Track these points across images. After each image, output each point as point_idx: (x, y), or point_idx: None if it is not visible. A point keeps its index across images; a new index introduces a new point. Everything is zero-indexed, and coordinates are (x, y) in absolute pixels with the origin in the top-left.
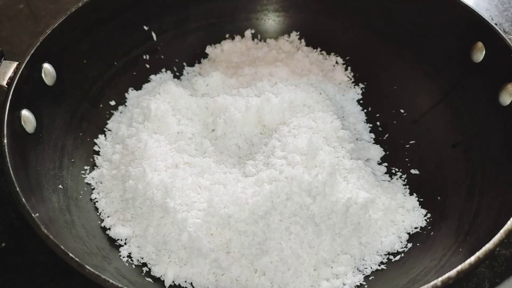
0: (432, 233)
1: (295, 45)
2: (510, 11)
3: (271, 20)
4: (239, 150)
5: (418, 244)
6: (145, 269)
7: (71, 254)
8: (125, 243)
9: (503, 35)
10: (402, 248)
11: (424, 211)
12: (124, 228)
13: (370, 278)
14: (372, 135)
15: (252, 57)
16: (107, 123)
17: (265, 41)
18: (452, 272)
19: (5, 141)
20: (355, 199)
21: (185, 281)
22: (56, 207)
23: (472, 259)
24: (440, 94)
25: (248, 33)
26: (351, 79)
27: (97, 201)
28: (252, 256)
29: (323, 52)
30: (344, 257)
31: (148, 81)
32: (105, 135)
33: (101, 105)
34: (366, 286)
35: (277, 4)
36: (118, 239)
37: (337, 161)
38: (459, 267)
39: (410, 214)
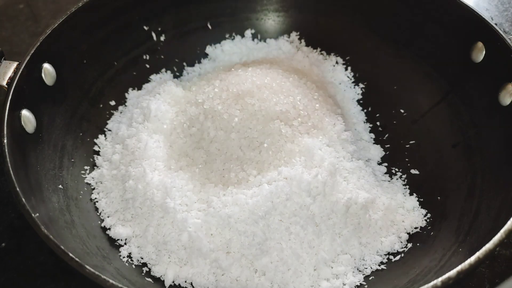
0: (432, 233)
1: (295, 45)
2: (510, 11)
3: (271, 20)
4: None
5: (418, 244)
6: (145, 269)
7: (71, 254)
8: (125, 243)
9: (503, 35)
10: (402, 248)
11: (424, 211)
12: (124, 228)
13: (370, 278)
14: (372, 135)
15: (252, 57)
16: (107, 123)
17: (265, 41)
18: (452, 272)
19: (5, 141)
20: (355, 199)
21: (185, 281)
22: (56, 207)
23: (472, 259)
24: (440, 94)
25: (248, 33)
26: (351, 79)
27: (97, 201)
28: (252, 256)
29: (323, 52)
30: (344, 257)
31: (148, 81)
32: (105, 135)
33: (101, 105)
34: (366, 286)
35: (277, 4)
36: (118, 239)
37: (337, 161)
38: (459, 267)
39: (410, 214)
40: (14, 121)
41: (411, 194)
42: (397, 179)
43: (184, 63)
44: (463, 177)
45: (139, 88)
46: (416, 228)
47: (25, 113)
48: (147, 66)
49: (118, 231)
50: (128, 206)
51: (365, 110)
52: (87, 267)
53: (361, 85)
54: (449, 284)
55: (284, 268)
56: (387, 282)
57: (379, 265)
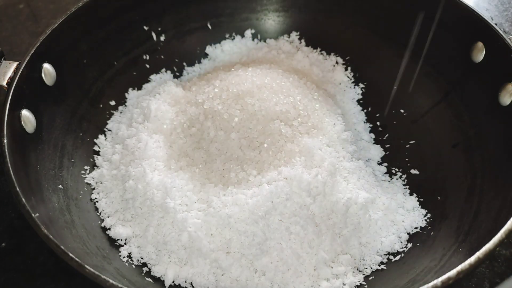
0: (432, 233)
1: (295, 45)
2: (510, 11)
3: (271, 20)
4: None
5: (418, 244)
6: (145, 269)
7: (71, 254)
8: (125, 243)
9: (503, 35)
10: (402, 248)
11: (424, 211)
12: (124, 228)
13: (370, 278)
14: (372, 135)
15: (252, 57)
16: (107, 123)
17: (265, 41)
18: (452, 272)
19: (5, 141)
20: (355, 199)
21: (185, 281)
22: (56, 207)
23: (472, 259)
24: (440, 94)
25: (248, 33)
26: (351, 79)
27: (97, 201)
28: (252, 256)
29: (323, 52)
30: (344, 257)
31: (148, 81)
32: (105, 135)
33: (101, 105)
34: (366, 286)
35: (277, 4)
36: (118, 239)
37: (337, 161)
38: (459, 267)
39: (410, 214)
40: (14, 121)
41: (411, 194)
42: (397, 179)
43: (184, 63)
44: (463, 177)
45: (139, 88)
46: (416, 228)
47: (25, 113)
48: (147, 66)
49: (118, 231)
50: (128, 206)
51: (365, 110)
52: (87, 267)
53: (361, 85)
54: (449, 284)
55: (284, 268)
56: (387, 282)
57: (379, 265)
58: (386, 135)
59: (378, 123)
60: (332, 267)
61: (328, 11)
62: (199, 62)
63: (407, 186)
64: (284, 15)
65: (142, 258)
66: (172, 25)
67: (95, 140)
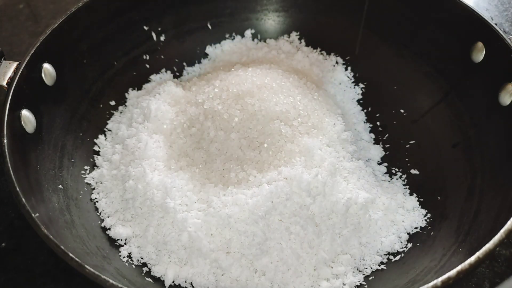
0: (432, 233)
1: (295, 45)
2: (510, 11)
3: (271, 20)
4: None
5: (418, 244)
6: (145, 269)
7: (71, 254)
8: (125, 243)
9: (503, 35)
10: (402, 248)
11: (424, 211)
12: (124, 228)
13: (370, 278)
14: (372, 135)
15: (252, 57)
16: (107, 123)
17: (265, 41)
18: (452, 272)
19: (5, 141)
20: (355, 199)
21: (185, 281)
22: (56, 207)
23: (472, 259)
24: (440, 94)
25: (248, 33)
26: (351, 79)
27: (97, 201)
28: (252, 256)
29: (323, 52)
30: (344, 257)
31: (148, 81)
32: (105, 135)
33: (101, 105)
34: (366, 286)
35: (277, 4)
36: (118, 239)
37: (337, 161)
38: (459, 267)
39: (410, 214)
40: (14, 121)
41: (411, 194)
42: (397, 179)
43: (184, 63)
44: (463, 177)
45: (139, 88)
46: (416, 228)
47: (25, 113)
48: (147, 66)
49: (118, 231)
50: (128, 206)
51: (365, 110)
52: (87, 267)
53: (361, 85)
54: (449, 284)
55: (284, 268)
56: (387, 282)
57: (379, 265)
58: (386, 135)
59: (378, 123)
60: (332, 267)
61: (328, 11)
62: (199, 62)
63: (407, 186)
64: (284, 15)
65: (142, 258)
66: (172, 25)
67: (95, 140)
